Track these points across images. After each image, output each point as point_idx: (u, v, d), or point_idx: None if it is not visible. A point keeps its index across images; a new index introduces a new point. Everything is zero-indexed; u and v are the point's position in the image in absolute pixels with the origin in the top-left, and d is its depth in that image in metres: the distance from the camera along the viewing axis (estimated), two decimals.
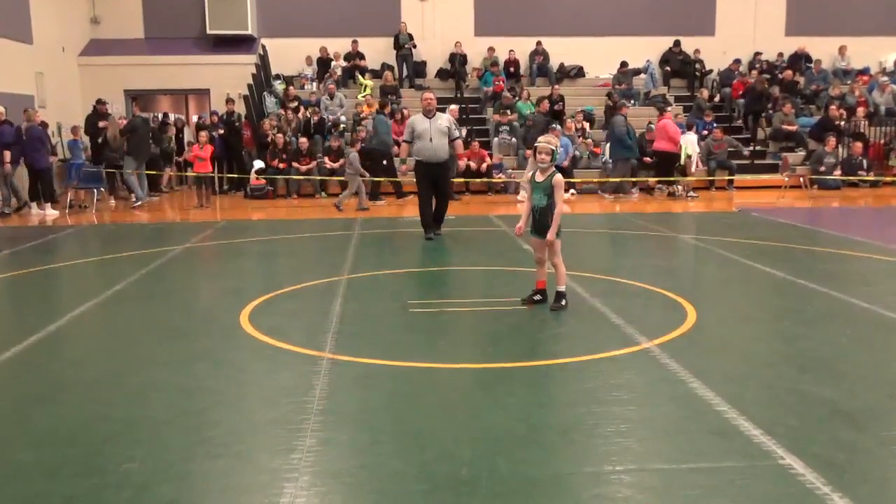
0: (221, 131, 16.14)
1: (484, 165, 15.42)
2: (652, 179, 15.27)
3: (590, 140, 16.61)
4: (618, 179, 14.58)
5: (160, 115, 20.19)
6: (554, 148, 5.69)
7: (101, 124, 15.12)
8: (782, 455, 3.22)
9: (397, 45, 18.66)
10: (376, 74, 18.59)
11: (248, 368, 4.57)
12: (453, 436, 3.48)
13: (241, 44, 18.42)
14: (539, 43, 19.03)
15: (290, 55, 18.84)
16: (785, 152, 16.66)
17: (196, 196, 14.36)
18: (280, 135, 15.30)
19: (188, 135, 16.82)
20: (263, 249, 9.41)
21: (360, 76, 18.23)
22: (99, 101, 15.79)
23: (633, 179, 14.97)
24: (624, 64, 18.73)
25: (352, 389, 4.13)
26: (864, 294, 6.17)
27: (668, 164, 14.87)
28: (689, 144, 15.03)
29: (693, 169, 15.11)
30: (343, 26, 18.79)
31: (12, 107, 14.10)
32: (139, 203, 13.98)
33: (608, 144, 15.24)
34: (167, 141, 16.82)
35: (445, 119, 9.29)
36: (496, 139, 16.58)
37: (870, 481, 3.04)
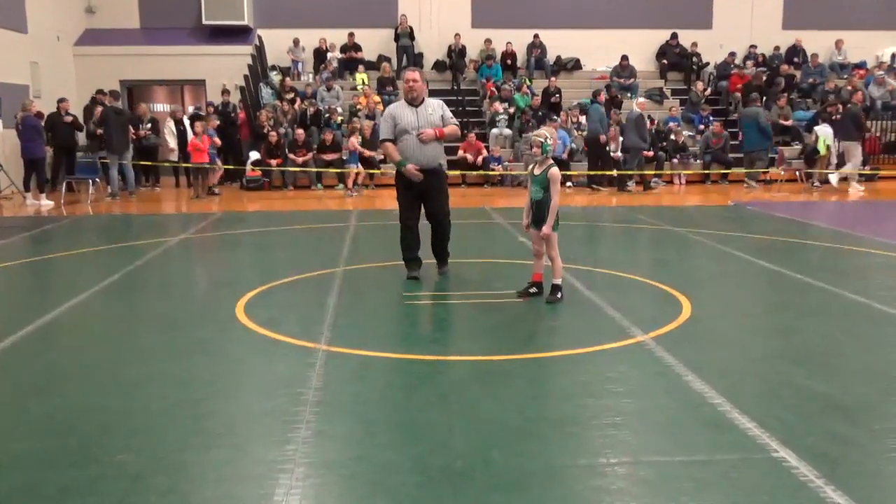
0: (217, 122, 16.07)
1: (480, 158, 15.44)
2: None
3: (584, 132, 16.59)
4: (760, 170, 14.98)
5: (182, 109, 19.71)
6: (543, 140, 5.66)
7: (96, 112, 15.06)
8: (776, 448, 3.23)
9: (397, 38, 18.61)
10: (373, 66, 18.53)
11: (244, 360, 4.57)
12: (448, 428, 3.49)
13: (237, 34, 18.33)
14: (536, 36, 18.99)
15: (287, 46, 18.77)
16: (781, 146, 16.66)
17: (193, 187, 14.33)
18: (274, 132, 15.22)
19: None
20: (260, 241, 9.40)
21: (358, 75, 18.15)
22: (99, 92, 15.71)
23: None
24: (625, 58, 18.73)
25: (347, 381, 4.14)
26: (859, 288, 6.19)
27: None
28: (826, 137, 14.92)
29: (829, 162, 15.02)
30: (340, 17, 18.72)
31: (7, 96, 14.05)
32: (111, 195, 13.77)
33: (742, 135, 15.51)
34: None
35: (438, 106, 6.54)
36: (493, 130, 16.56)
37: (863, 474, 3.05)
